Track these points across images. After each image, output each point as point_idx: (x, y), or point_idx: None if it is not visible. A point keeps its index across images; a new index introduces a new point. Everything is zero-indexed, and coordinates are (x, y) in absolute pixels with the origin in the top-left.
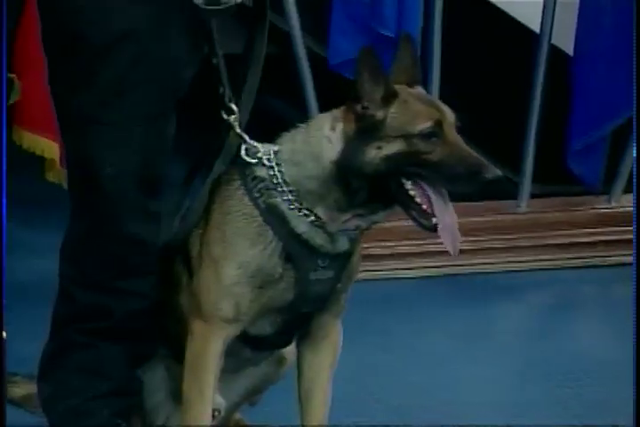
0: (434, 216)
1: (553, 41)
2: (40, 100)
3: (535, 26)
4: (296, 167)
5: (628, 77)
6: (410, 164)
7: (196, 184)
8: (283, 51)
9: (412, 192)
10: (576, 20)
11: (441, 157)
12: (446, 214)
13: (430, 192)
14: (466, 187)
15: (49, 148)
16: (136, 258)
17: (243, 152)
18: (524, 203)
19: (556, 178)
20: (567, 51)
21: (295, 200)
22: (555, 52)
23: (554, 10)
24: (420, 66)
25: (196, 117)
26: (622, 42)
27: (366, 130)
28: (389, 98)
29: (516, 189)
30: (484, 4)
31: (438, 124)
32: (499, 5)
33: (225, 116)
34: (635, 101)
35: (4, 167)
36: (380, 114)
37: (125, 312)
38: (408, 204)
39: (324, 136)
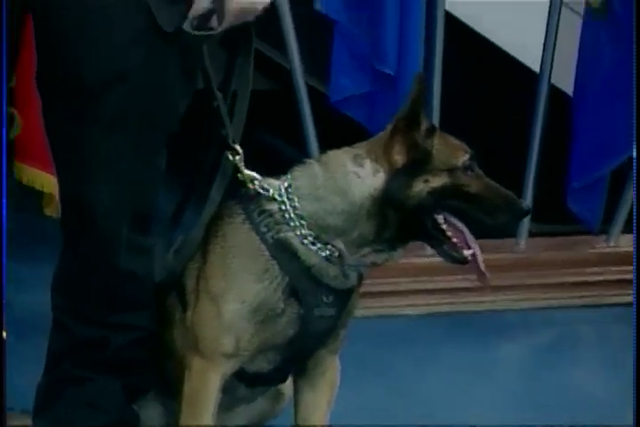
0: (466, 248)
1: (553, 81)
2: (40, 135)
3: (535, 66)
4: (317, 202)
5: (627, 118)
6: (452, 197)
7: (187, 216)
8: (283, 87)
9: (443, 226)
10: (576, 60)
11: (477, 189)
12: (477, 246)
13: (461, 225)
14: (505, 218)
15: (48, 182)
16: (130, 292)
17: (257, 188)
18: (523, 242)
19: (555, 217)
20: (567, 91)
21: (310, 235)
22: (554, 91)
23: (554, 50)
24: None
25: (184, 149)
26: (622, 83)
27: (416, 162)
28: (431, 130)
29: (515, 227)
30: (485, 44)
31: (472, 157)
32: (499, 45)
33: (230, 158)
34: (635, 102)
35: (4, 169)
36: (427, 145)
37: (122, 344)
38: (440, 238)
39: (350, 172)
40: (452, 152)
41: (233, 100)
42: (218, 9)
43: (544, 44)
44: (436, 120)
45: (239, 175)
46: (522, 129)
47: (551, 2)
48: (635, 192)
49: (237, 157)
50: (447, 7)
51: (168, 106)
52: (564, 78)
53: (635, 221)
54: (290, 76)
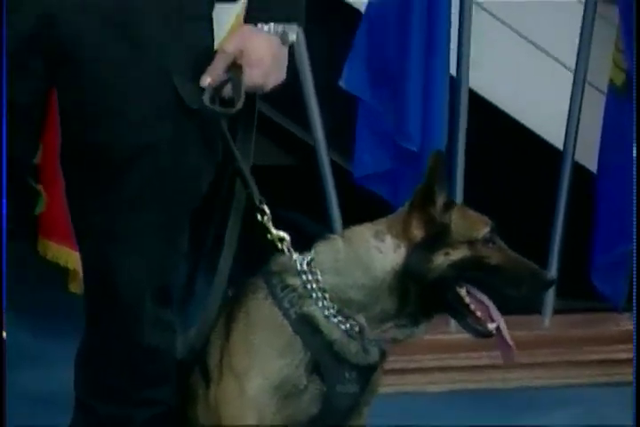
0: (490, 322)
1: (576, 158)
2: (65, 212)
3: (559, 143)
4: (339, 277)
5: None
6: (473, 269)
7: (199, 287)
8: (305, 163)
9: (466, 299)
10: (599, 138)
11: (498, 261)
12: (502, 319)
13: (485, 298)
14: (529, 289)
15: (72, 258)
16: (153, 368)
17: (285, 248)
18: (548, 318)
19: (580, 294)
20: (591, 168)
21: (332, 308)
22: (578, 168)
23: (577, 128)
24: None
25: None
26: None
27: (434, 236)
28: (449, 204)
29: (540, 304)
30: (508, 121)
31: (493, 230)
32: (523, 122)
33: (259, 218)
34: (634, 101)
35: (4, 168)
36: (445, 219)
37: (144, 420)
38: (463, 311)
39: (372, 247)
40: (471, 225)
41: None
42: (234, 81)
43: (568, 122)
44: (459, 195)
45: (268, 235)
46: (546, 206)
47: (575, 80)
48: (635, 193)
49: (265, 218)
50: (471, 85)
51: (191, 181)
52: (588, 156)
53: (634, 220)
54: (312, 151)
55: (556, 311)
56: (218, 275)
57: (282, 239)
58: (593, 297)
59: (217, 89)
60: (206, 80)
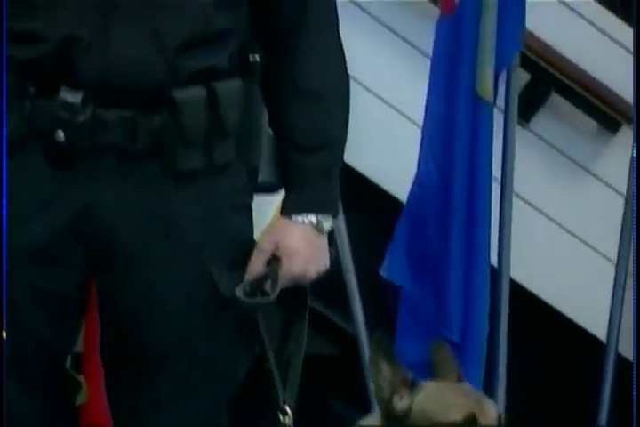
0: None
1: (620, 350)
2: (105, 400)
3: (602, 334)
4: None
5: None
6: None
7: None
8: (346, 352)
9: None
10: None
11: None
12: None
13: None
14: None
15: None
16: None
17: None
18: None
19: None
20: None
21: None
22: (622, 361)
23: (620, 319)
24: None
25: (242, 407)
26: None
27: (398, 415)
28: (409, 387)
29: None
30: (550, 312)
31: (472, 416)
32: (565, 313)
33: (280, 418)
34: (634, 101)
35: (4, 166)
36: (400, 403)
37: None
38: None
39: None
40: (441, 408)
41: (287, 365)
42: (271, 275)
43: (610, 313)
44: (501, 386)
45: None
46: (590, 399)
47: (617, 272)
48: (635, 191)
49: (287, 418)
50: (512, 275)
51: (227, 371)
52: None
53: (634, 212)
54: (354, 340)
55: None
56: None
57: None
58: None
59: (255, 283)
60: (246, 277)
